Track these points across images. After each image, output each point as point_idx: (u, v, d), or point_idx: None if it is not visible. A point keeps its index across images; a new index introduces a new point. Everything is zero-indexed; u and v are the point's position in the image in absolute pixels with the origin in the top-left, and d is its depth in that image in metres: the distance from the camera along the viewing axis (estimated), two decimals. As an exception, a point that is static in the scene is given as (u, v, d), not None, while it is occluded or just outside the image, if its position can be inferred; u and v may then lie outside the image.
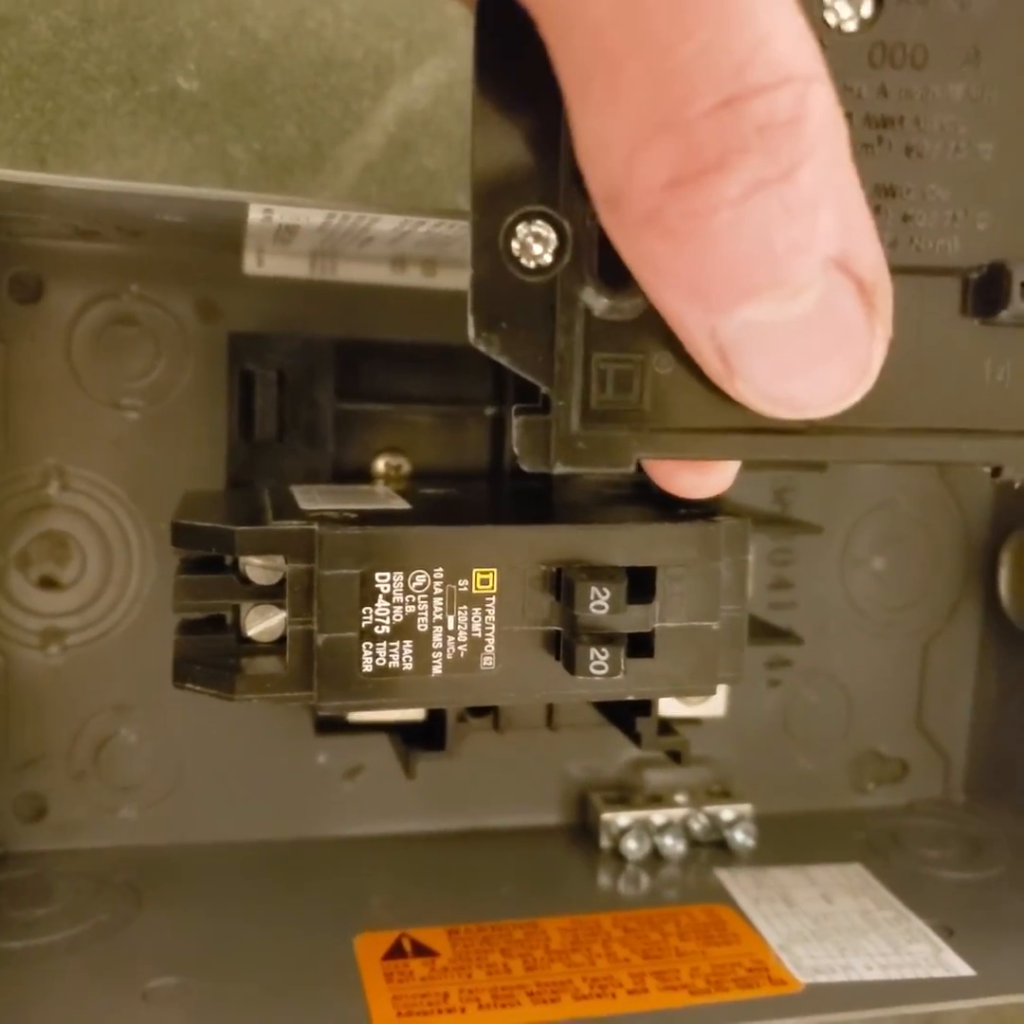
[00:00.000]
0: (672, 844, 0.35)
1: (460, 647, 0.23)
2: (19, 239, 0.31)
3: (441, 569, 0.22)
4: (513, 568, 0.23)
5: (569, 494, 0.31)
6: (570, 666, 0.22)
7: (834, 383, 0.15)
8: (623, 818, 0.35)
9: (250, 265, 0.32)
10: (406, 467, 0.34)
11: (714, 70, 0.13)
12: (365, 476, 0.34)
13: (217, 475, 0.33)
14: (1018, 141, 0.17)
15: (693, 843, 0.36)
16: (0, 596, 0.33)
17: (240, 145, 0.34)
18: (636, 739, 0.30)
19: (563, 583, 0.23)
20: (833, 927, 0.31)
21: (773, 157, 0.13)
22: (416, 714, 0.31)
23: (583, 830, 0.37)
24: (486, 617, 0.23)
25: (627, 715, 0.31)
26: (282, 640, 0.23)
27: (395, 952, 0.29)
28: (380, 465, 0.34)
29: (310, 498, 0.26)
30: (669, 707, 0.32)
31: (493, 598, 0.23)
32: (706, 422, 0.18)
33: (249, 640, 0.24)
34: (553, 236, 0.17)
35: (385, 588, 0.22)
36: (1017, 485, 0.19)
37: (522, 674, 0.23)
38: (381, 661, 0.22)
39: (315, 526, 0.22)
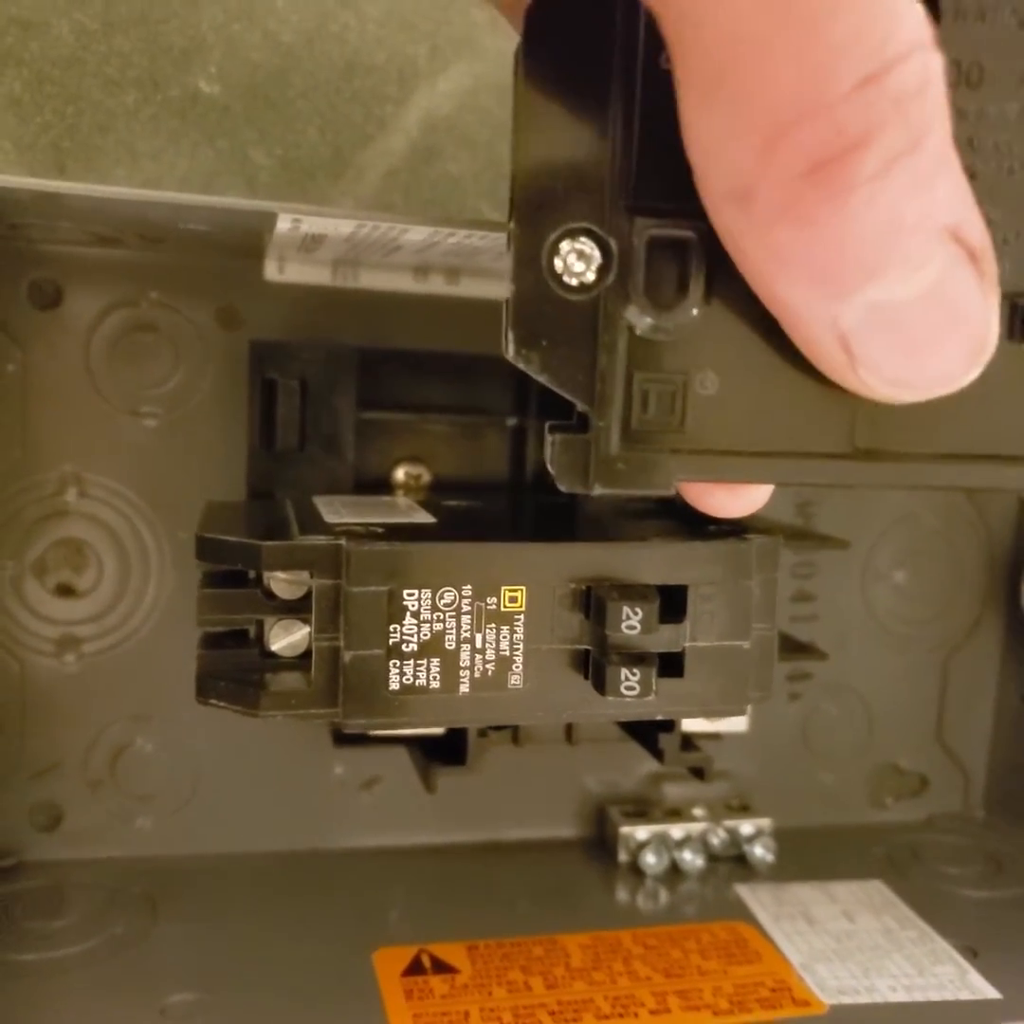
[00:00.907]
0: (691, 859, 0.35)
1: (488, 665, 0.22)
2: (38, 245, 0.31)
3: (470, 586, 0.22)
4: (542, 586, 0.22)
5: (593, 508, 0.31)
6: (600, 686, 0.22)
7: (958, 358, 0.15)
8: (641, 832, 0.35)
9: (271, 272, 0.32)
10: (426, 477, 0.34)
11: (861, 47, 0.13)
12: (385, 486, 0.33)
13: (235, 484, 0.32)
14: None
15: (712, 858, 0.35)
16: (17, 603, 0.32)
17: (261, 150, 0.34)
18: (659, 755, 0.30)
19: (594, 602, 0.22)
20: (856, 946, 0.31)
21: (906, 128, 0.13)
22: (437, 728, 0.30)
23: (601, 844, 0.36)
24: (514, 635, 0.22)
25: (649, 731, 0.31)
26: (306, 655, 0.23)
27: (415, 968, 0.28)
28: (400, 474, 0.34)
29: (334, 510, 0.26)
30: (691, 722, 0.32)
31: (521, 616, 0.22)
32: (748, 445, 0.17)
33: (272, 655, 0.24)
34: (597, 253, 0.16)
35: (413, 605, 0.22)
36: None
37: (550, 693, 0.23)
38: (408, 679, 0.22)
39: (343, 541, 0.22)
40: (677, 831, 0.35)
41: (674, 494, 0.18)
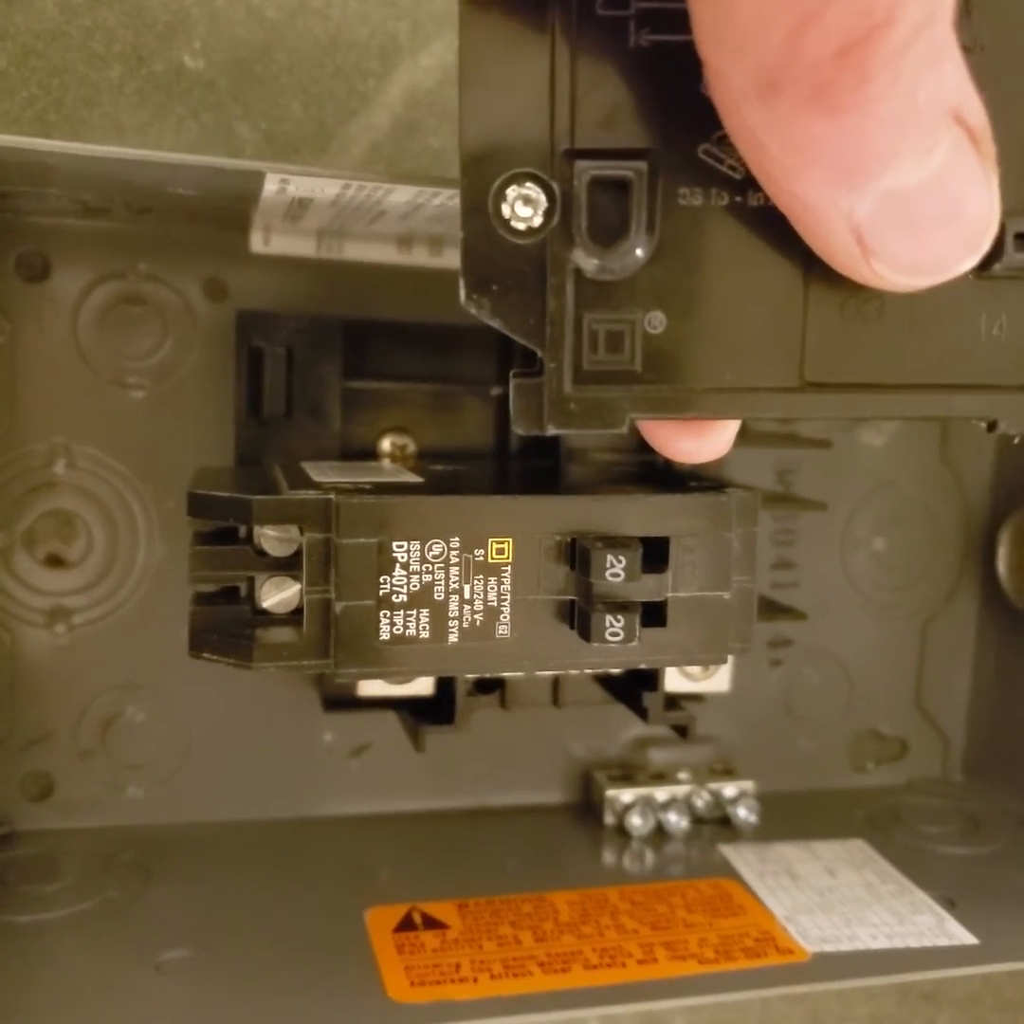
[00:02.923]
0: (676, 820, 0.35)
1: (476, 616, 0.23)
2: (26, 217, 0.31)
3: (457, 538, 0.23)
4: (529, 537, 0.23)
5: (577, 473, 0.31)
6: (585, 633, 0.22)
7: (967, 236, 0.16)
8: (627, 795, 0.36)
9: (257, 244, 0.32)
10: (411, 447, 0.34)
11: None
12: (371, 455, 0.34)
13: (224, 454, 0.33)
14: (1009, 96, 0.17)
15: (696, 820, 0.36)
16: (6, 575, 0.33)
17: (246, 124, 0.34)
18: (643, 714, 0.31)
19: (579, 552, 0.23)
20: (838, 899, 0.31)
21: (926, 1, 0.13)
22: (424, 689, 0.31)
23: (587, 808, 0.37)
24: (502, 586, 0.23)
25: (633, 691, 0.31)
26: (297, 612, 0.23)
27: (406, 925, 0.29)
28: (386, 444, 0.34)
29: (322, 472, 0.26)
30: (674, 683, 0.33)
31: (509, 567, 0.23)
32: (699, 382, 0.18)
33: (264, 612, 0.24)
34: (543, 197, 0.17)
35: (402, 557, 0.22)
36: (1016, 440, 0.20)
37: (537, 643, 0.23)
38: (398, 629, 0.22)
39: (332, 495, 0.22)
40: (662, 794, 0.36)
41: (626, 431, 0.18)
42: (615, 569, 0.22)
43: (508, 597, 0.23)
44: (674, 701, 0.32)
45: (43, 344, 0.32)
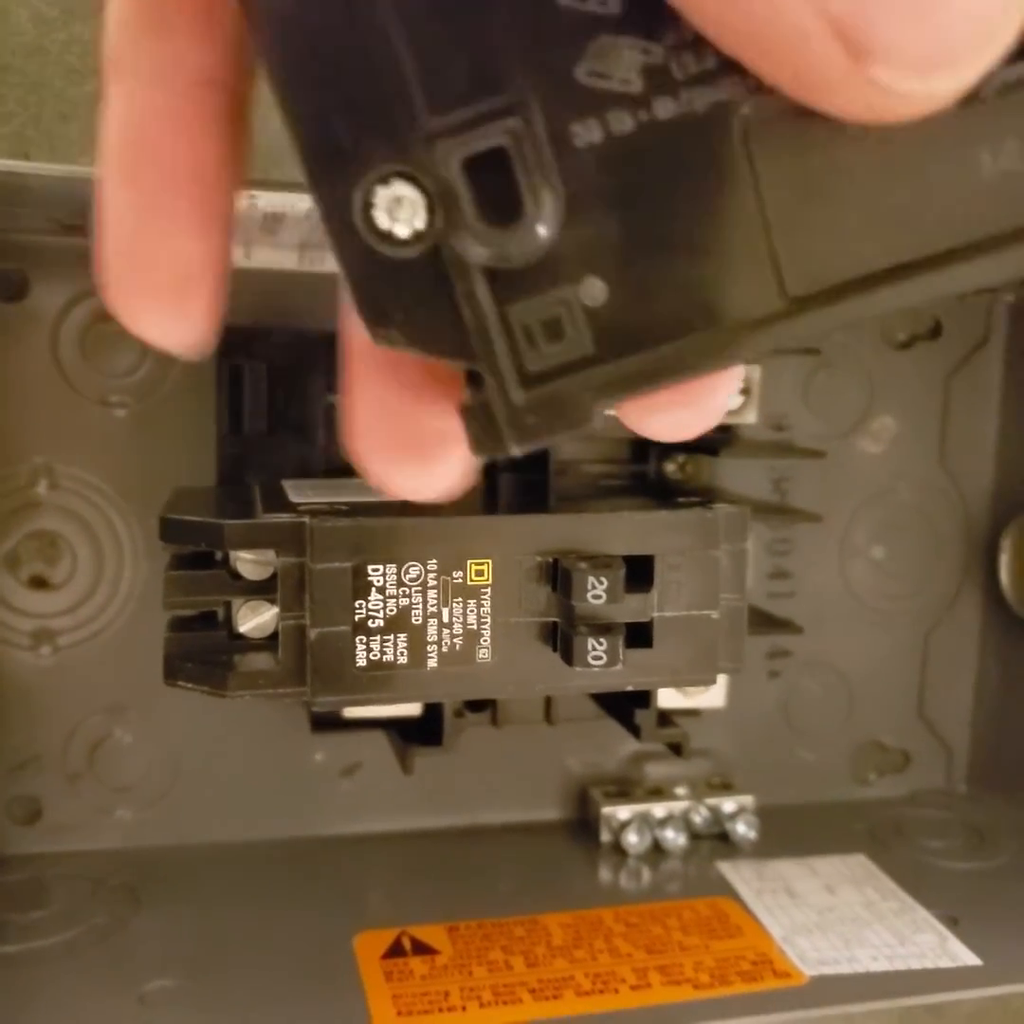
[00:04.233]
0: (673, 837, 0.35)
1: (456, 640, 0.22)
2: (3, 235, 0.31)
3: (435, 561, 0.22)
4: (508, 558, 0.22)
5: (565, 486, 0.31)
6: (568, 657, 0.22)
7: (982, 8, 0.12)
8: (623, 812, 0.35)
9: (237, 258, 0.32)
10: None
11: None
12: (356, 472, 0.33)
13: (208, 471, 0.32)
14: None
15: (694, 836, 0.35)
16: (-10, 597, 0.32)
17: (227, 137, 0.34)
18: (635, 731, 0.30)
19: (560, 573, 0.22)
20: (837, 918, 0.31)
21: None
22: (413, 710, 0.30)
23: (583, 825, 0.36)
24: (481, 609, 0.22)
25: (626, 708, 0.31)
26: (274, 636, 0.23)
27: (395, 951, 0.28)
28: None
29: (300, 492, 0.26)
30: (668, 699, 0.32)
31: (488, 589, 0.22)
32: (668, 338, 0.14)
33: (241, 636, 0.24)
34: (417, 194, 0.13)
35: (378, 581, 0.22)
36: None
37: (519, 666, 0.23)
38: (375, 655, 0.22)
39: (306, 519, 0.22)
40: (659, 810, 0.35)
41: (601, 427, 0.15)
42: (597, 590, 0.22)
43: (488, 620, 0.22)
44: (667, 717, 0.31)
45: (22, 364, 0.32)
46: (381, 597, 0.22)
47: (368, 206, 0.13)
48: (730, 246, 0.14)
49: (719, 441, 0.32)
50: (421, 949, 0.29)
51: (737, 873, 0.33)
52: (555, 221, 0.14)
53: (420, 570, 0.22)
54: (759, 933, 0.30)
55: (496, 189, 0.13)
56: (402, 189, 0.13)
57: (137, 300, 0.15)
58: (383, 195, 0.13)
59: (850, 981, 0.27)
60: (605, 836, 0.35)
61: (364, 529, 0.22)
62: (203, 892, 0.32)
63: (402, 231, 0.13)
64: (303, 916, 0.30)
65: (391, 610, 0.22)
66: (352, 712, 0.30)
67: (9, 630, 0.33)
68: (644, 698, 0.30)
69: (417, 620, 0.22)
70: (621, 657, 0.22)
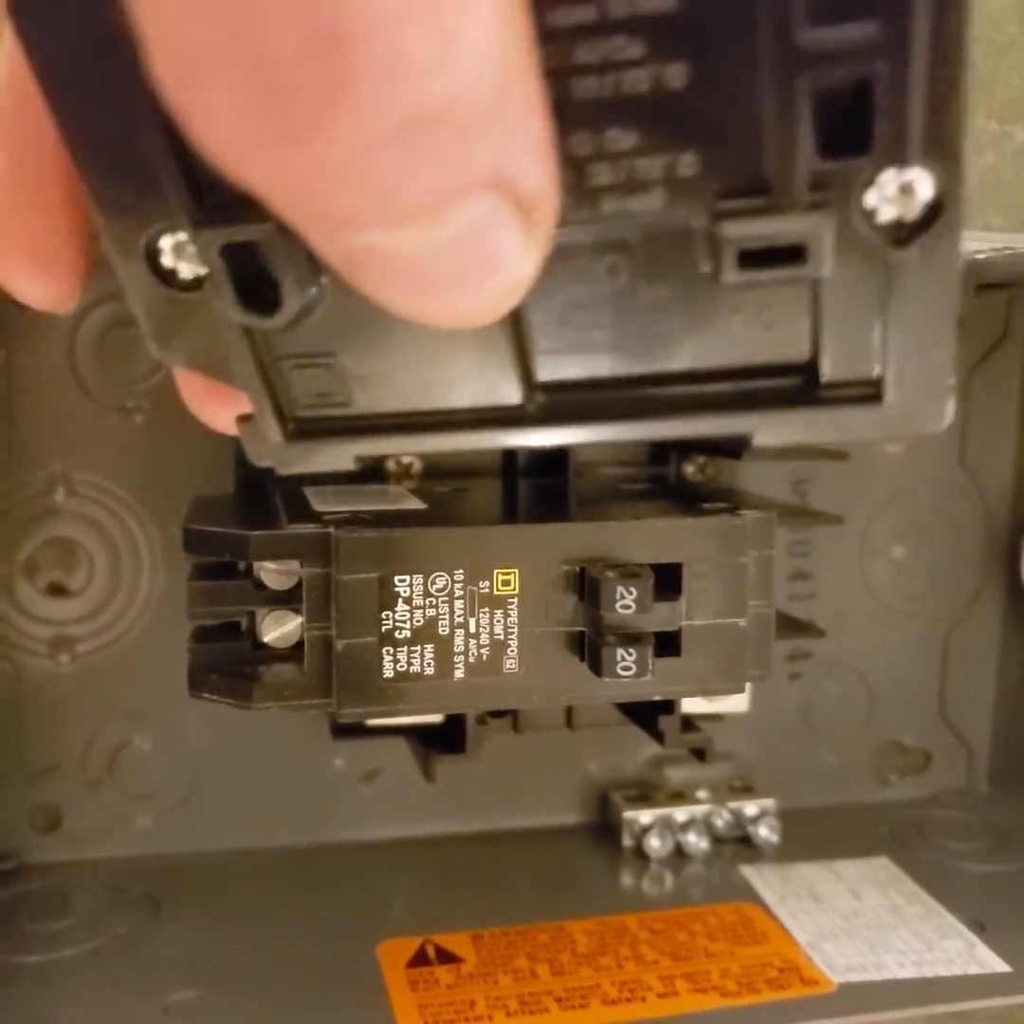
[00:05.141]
0: (696, 841, 0.35)
1: (482, 650, 0.22)
2: (19, 241, 0.31)
3: (461, 571, 0.22)
4: (535, 568, 0.22)
5: (587, 490, 0.31)
6: (596, 667, 0.22)
7: (482, 301, 0.13)
8: (645, 816, 0.35)
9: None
10: (417, 465, 0.34)
11: None
12: (377, 474, 0.33)
13: (226, 476, 0.32)
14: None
15: (716, 840, 0.35)
16: (8, 605, 0.32)
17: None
18: (659, 737, 0.30)
19: (588, 582, 0.22)
20: (863, 923, 0.30)
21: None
22: (435, 716, 0.30)
23: (605, 829, 0.36)
24: (508, 619, 0.22)
25: (649, 713, 0.30)
26: (299, 646, 0.23)
27: (419, 959, 0.28)
28: (391, 463, 0.33)
29: (323, 499, 0.26)
30: (691, 704, 0.32)
31: (515, 599, 0.22)
32: (421, 408, 0.15)
33: (265, 646, 0.24)
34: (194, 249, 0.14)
35: (405, 591, 0.22)
36: None
37: (546, 676, 0.22)
38: (402, 666, 0.22)
39: (331, 529, 0.22)
40: (681, 814, 0.35)
41: (355, 468, 0.16)
42: (626, 600, 0.21)
43: (515, 630, 0.22)
44: (691, 722, 0.31)
45: (40, 370, 0.31)
46: (408, 608, 0.22)
47: (153, 251, 0.14)
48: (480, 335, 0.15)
49: (740, 443, 0.32)
50: (446, 957, 0.28)
51: (760, 877, 0.33)
52: (312, 304, 0.14)
53: (447, 580, 0.22)
54: (785, 939, 0.30)
55: (258, 271, 0.14)
56: (184, 238, 0.14)
57: (4, 260, 0.16)
58: (168, 241, 0.14)
59: (879, 988, 0.27)
60: (627, 841, 0.35)
61: (390, 539, 0.22)
62: (224, 900, 0.32)
63: (186, 273, 0.14)
64: (325, 924, 0.30)
65: (418, 621, 0.22)
66: (374, 719, 0.30)
67: (28, 638, 0.32)
68: (668, 704, 0.30)
69: (444, 631, 0.22)
70: (650, 667, 0.22)
